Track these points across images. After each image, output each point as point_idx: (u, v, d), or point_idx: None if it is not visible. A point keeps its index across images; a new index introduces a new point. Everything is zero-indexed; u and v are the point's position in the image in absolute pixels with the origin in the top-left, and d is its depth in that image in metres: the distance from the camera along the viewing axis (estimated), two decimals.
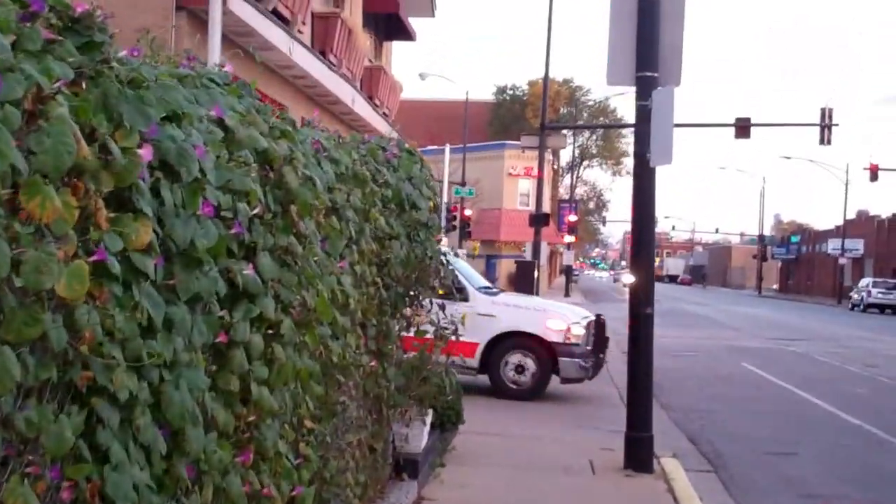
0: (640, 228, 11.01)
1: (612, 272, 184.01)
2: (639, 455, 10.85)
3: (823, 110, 37.46)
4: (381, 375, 8.04)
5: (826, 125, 37.41)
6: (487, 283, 17.74)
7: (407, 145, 8.89)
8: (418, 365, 8.59)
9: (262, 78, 16.97)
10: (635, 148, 11.03)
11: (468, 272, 17.27)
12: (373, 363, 7.27)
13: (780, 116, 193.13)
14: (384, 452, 8.68)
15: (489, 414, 14.23)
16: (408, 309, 8.46)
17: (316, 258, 5.26)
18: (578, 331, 16.20)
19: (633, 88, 11.10)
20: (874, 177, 46.54)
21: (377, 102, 25.45)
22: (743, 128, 37.78)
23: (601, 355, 16.62)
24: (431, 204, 8.41)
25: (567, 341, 16.04)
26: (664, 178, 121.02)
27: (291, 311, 5.03)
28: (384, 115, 26.31)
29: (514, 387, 16.04)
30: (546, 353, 16.08)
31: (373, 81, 25.34)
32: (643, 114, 10.77)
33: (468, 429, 11.91)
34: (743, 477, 11.39)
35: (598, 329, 16.66)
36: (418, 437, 9.48)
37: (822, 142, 37.36)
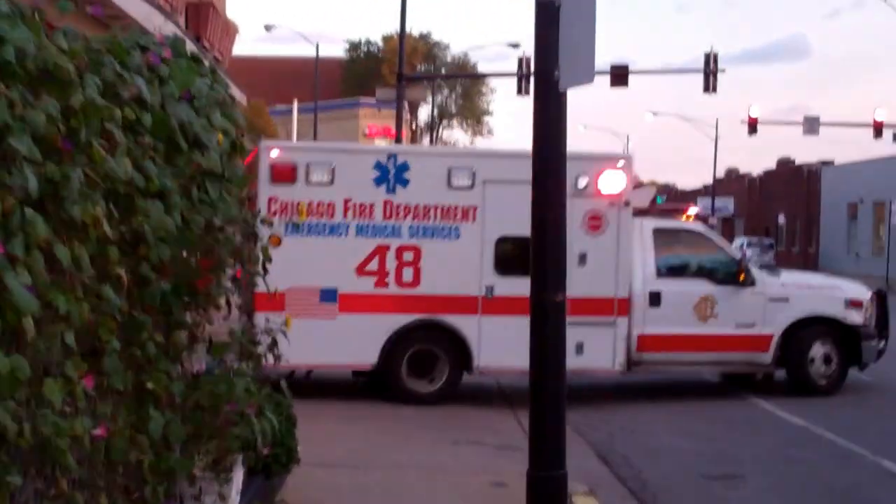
0: (545, 180, 7.75)
1: None
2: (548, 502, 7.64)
3: (708, 55, 34.64)
4: (138, 432, 4.64)
5: (711, 71, 34.71)
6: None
7: (192, 50, 5.48)
8: (212, 405, 5.18)
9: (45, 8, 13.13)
10: (536, 65, 7.72)
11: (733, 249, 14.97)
12: (99, 431, 3.86)
13: (660, 63, 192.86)
14: None
15: (338, 428, 10.95)
16: (190, 314, 5.07)
17: None
18: (870, 309, 14.47)
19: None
20: (752, 130, 44.17)
21: (206, 45, 21.75)
22: (619, 76, 34.87)
23: (886, 335, 14.76)
24: (220, 140, 5.01)
25: (865, 322, 14.29)
26: (521, 138, 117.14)
27: None
28: (216, 61, 22.58)
29: (822, 381, 14.13)
30: (847, 337, 14.17)
31: (200, 20, 21.62)
32: (548, 14, 7.49)
33: (310, 459, 8.58)
34: None
35: (879, 304, 14.76)
36: None
37: (706, 89, 34.54)
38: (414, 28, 74.89)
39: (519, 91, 36.54)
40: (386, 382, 12.85)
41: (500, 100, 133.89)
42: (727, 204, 79.93)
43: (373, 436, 10.82)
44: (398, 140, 33.82)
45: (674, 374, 14.38)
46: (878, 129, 41.96)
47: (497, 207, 12.68)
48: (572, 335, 12.56)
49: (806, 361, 13.99)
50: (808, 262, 64.49)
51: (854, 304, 14.24)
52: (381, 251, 12.55)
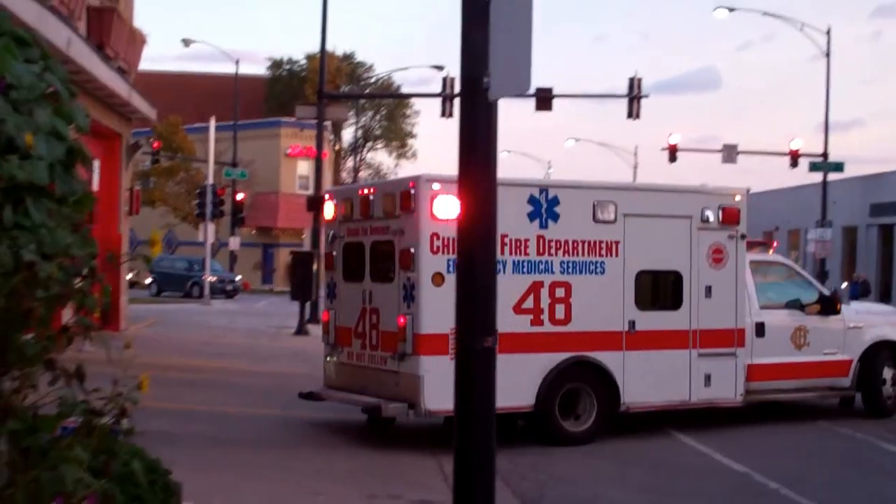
0: (474, 208, 6.62)
1: None
2: None
3: (632, 80, 33.89)
4: None
5: (635, 96, 34.02)
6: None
7: (18, 30, 4.24)
8: (31, 502, 3.92)
9: None
10: (463, 70, 6.61)
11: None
12: None
13: (585, 87, 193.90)
14: None
15: (238, 484, 9.70)
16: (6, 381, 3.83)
17: None
18: None
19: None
20: (672, 157, 43.53)
21: (110, 53, 20.40)
22: (544, 99, 33.99)
23: None
24: (29, 141, 3.76)
25: None
26: (431, 165, 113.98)
27: None
28: (121, 71, 21.24)
29: (888, 402, 15.13)
30: None
31: (103, 26, 20.29)
32: (476, 9, 6.39)
33: None
34: None
35: None
36: None
37: (630, 115, 33.90)
38: (338, 48, 73.86)
39: (443, 113, 35.56)
40: (539, 424, 12.34)
41: (424, 123, 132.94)
42: None
43: (276, 492, 9.57)
44: (318, 159, 32.37)
45: (774, 400, 14.86)
46: (794, 158, 42.11)
47: (636, 241, 12.80)
48: (702, 367, 13.23)
49: (880, 384, 14.94)
50: None
51: None
52: (535, 288, 12.11)
